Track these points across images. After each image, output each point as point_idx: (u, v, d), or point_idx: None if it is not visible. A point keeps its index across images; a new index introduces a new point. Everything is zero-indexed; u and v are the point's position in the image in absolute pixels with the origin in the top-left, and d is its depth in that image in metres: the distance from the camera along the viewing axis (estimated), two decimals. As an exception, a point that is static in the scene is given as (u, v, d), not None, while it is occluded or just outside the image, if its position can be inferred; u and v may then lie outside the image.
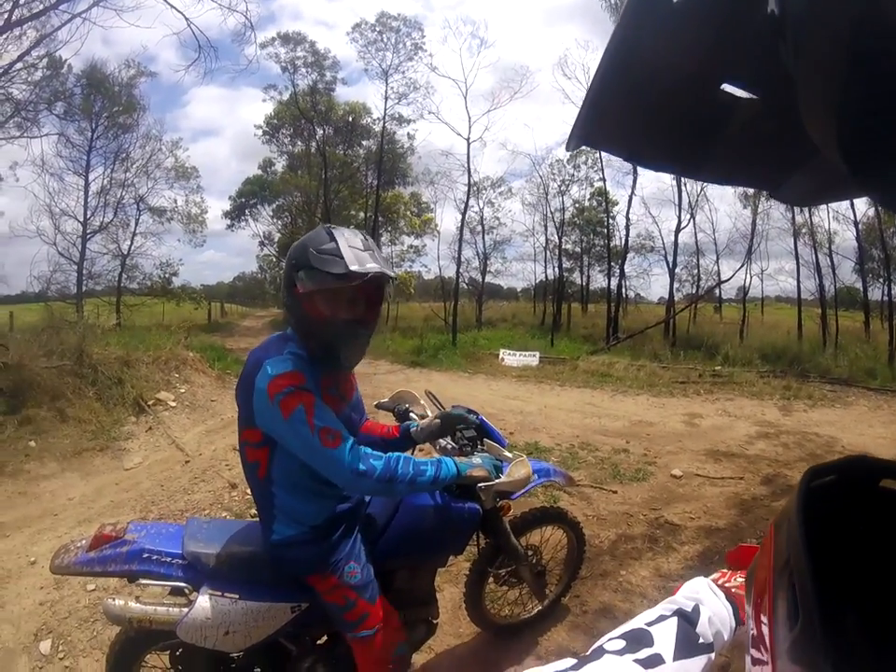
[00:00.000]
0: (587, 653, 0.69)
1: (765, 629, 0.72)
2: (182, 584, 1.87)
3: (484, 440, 2.27)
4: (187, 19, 11.69)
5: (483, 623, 2.83)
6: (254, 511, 4.32)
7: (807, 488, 0.77)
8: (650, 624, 0.76)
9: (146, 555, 1.85)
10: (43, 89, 16.41)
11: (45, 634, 2.95)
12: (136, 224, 21.03)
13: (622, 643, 0.70)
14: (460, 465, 1.85)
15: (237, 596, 1.82)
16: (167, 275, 21.81)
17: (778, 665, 0.64)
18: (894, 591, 0.76)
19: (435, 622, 2.35)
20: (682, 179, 19.78)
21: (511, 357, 14.45)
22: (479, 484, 1.90)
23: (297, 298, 1.69)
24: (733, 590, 0.94)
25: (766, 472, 5.82)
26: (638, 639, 0.71)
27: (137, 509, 4.56)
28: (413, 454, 2.30)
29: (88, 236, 18.96)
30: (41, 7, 11.14)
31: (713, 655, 0.77)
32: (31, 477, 5.20)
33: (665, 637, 0.73)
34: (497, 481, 1.92)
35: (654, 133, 0.93)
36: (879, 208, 16.71)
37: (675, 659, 0.70)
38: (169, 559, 1.86)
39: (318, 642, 2.13)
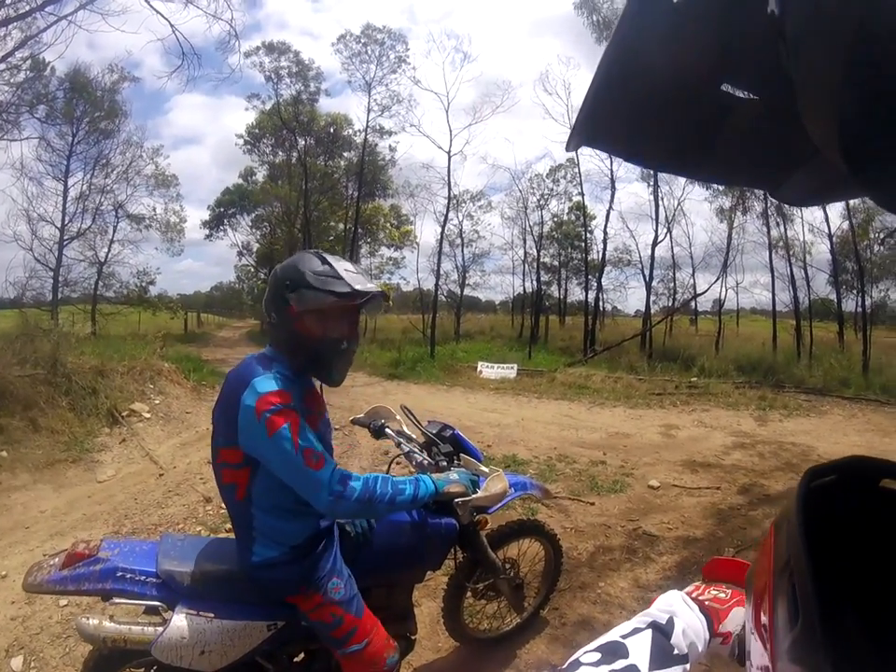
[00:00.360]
0: (563, 667, 0.69)
1: (765, 629, 0.72)
2: (157, 603, 1.84)
3: (461, 455, 2.29)
4: (172, 25, 11.66)
5: (461, 638, 2.82)
6: (229, 525, 4.28)
7: (807, 488, 0.77)
8: (624, 637, 0.76)
9: (119, 574, 1.81)
10: (25, 91, 16.26)
11: (16, 650, 2.88)
12: (114, 231, 20.86)
13: (597, 655, 0.70)
14: (437, 481, 1.86)
15: (212, 615, 1.80)
16: (144, 284, 21.65)
17: (778, 665, 0.65)
18: (894, 591, 0.77)
19: (413, 637, 2.34)
20: (660, 194, 20.14)
21: (488, 370, 14.49)
22: (456, 500, 1.90)
23: (289, 317, 1.73)
24: (706, 603, 0.95)
25: (743, 482, 5.90)
26: (614, 651, 0.71)
27: (110, 522, 4.47)
28: (389, 471, 2.30)
29: (65, 242, 18.67)
30: (27, 7, 11.04)
31: (688, 666, 0.77)
32: (2, 488, 5.07)
33: (639, 649, 0.73)
34: (473, 496, 1.92)
35: (654, 133, 0.93)
36: (853, 221, 17.08)
37: (650, 670, 0.70)
38: (143, 577, 1.83)
39: (295, 660, 2.11)
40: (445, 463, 2.17)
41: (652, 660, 0.72)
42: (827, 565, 0.69)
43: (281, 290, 1.72)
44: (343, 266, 1.75)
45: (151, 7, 11.30)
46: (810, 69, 0.60)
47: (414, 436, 2.47)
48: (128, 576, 1.82)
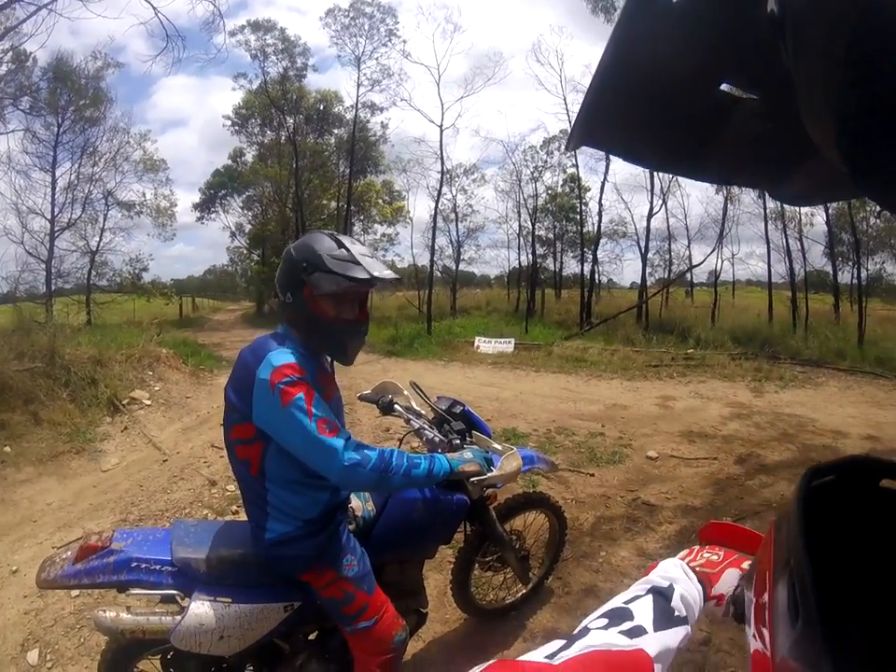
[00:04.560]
0: (574, 633, 0.71)
1: (765, 629, 0.72)
2: (173, 592, 1.86)
3: (473, 432, 2.31)
4: (154, 7, 11.37)
5: (469, 609, 2.88)
6: (235, 507, 4.35)
7: (807, 488, 0.78)
8: (627, 602, 0.79)
9: (134, 564, 1.82)
10: (8, 83, 15.92)
11: (32, 643, 2.91)
12: (105, 220, 20.48)
13: (604, 620, 0.73)
14: (452, 461, 1.87)
15: (230, 600, 1.82)
16: (137, 271, 21.24)
17: (778, 664, 0.65)
18: (894, 591, 0.77)
19: (425, 611, 2.38)
20: (654, 166, 19.92)
21: (486, 345, 14.46)
22: (472, 479, 1.93)
23: (304, 299, 1.77)
24: (697, 569, 0.97)
25: (740, 452, 5.97)
26: (620, 615, 0.75)
27: (117, 511, 4.51)
28: (399, 447, 2.34)
29: (56, 234, 18.35)
30: (5, -1, 10.80)
31: (689, 628, 0.80)
32: (7, 483, 5.09)
33: (643, 612, 0.76)
34: (489, 475, 1.95)
35: (654, 133, 0.93)
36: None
37: (656, 630, 0.73)
38: (158, 567, 1.84)
39: (310, 638, 2.14)
40: (458, 441, 2.17)
41: (656, 620, 0.75)
42: (827, 565, 0.70)
43: (298, 272, 1.75)
44: (358, 250, 1.78)
45: None
46: (810, 69, 0.60)
47: (424, 412, 2.47)
48: (143, 566, 1.82)
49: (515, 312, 23.25)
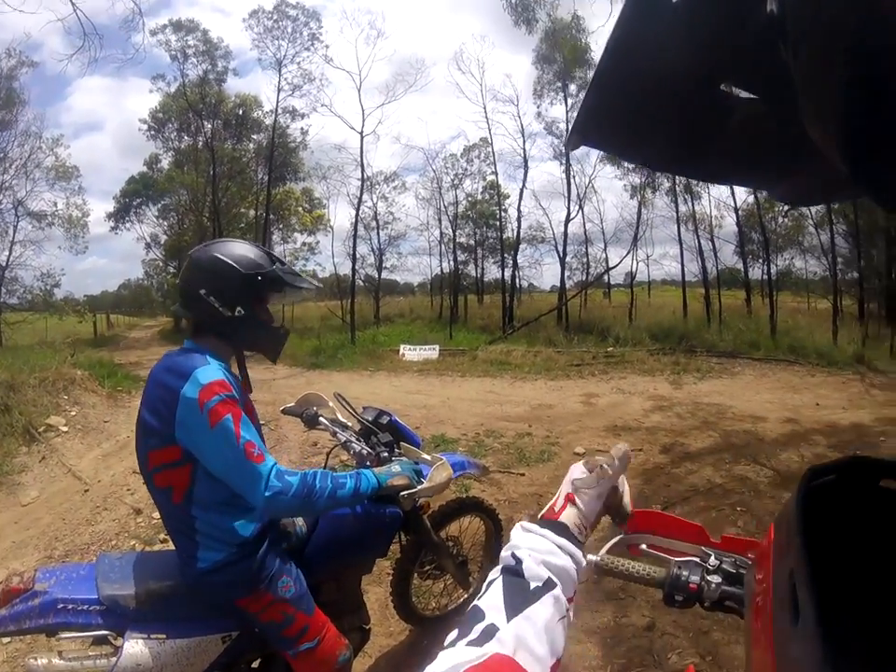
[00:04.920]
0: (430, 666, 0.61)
1: (765, 629, 0.72)
2: (105, 632, 1.77)
3: (401, 443, 2.30)
4: (73, 3, 10.77)
5: (412, 619, 2.88)
6: (162, 535, 4.20)
7: (807, 488, 0.79)
8: (479, 598, 0.69)
9: (61, 606, 1.72)
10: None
11: (-40, 697, 2.71)
12: (14, 231, 19.61)
13: (455, 633, 0.64)
14: (380, 475, 1.87)
15: (164, 636, 1.75)
16: (49, 287, 20.33)
17: (779, 664, 0.65)
18: (894, 590, 0.79)
19: (368, 627, 2.35)
20: (572, 172, 20.58)
21: (411, 352, 14.50)
22: (401, 493, 1.93)
23: (254, 310, 1.83)
24: (545, 515, 0.85)
25: (664, 442, 6.25)
26: (470, 620, 0.64)
27: (41, 547, 4.27)
28: (327, 463, 2.30)
29: (-39, 247, 17.16)
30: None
31: (558, 590, 0.69)
32: (-87, 524, 4.72)
33: (493, 604, 0.66)
34: (419, 487, 1.95)
35: (653, 133, 0.94)
36: (759, 195, 17.93)
37: (510, 619, 0.63)
38: (86, 606, 1.74)
39: (252, 666, 2.08)
40: (386, 453, 2.16)
41: (509, 607, 0.65)
42: (827, 564, 0.72)
43: (252, 285, 1.78)
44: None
45: None
46: (810, 69, 0.61)
47: (350, 424, 2.44)
48: (70, 607, 1.73)
49: (439, 318, 23.49)
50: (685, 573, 1.04)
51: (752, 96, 0.86)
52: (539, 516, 0.84)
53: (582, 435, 6.59)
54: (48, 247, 20.88)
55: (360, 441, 2.28)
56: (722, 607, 1.00)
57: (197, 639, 1.80)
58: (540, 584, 0.69)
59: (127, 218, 27.67)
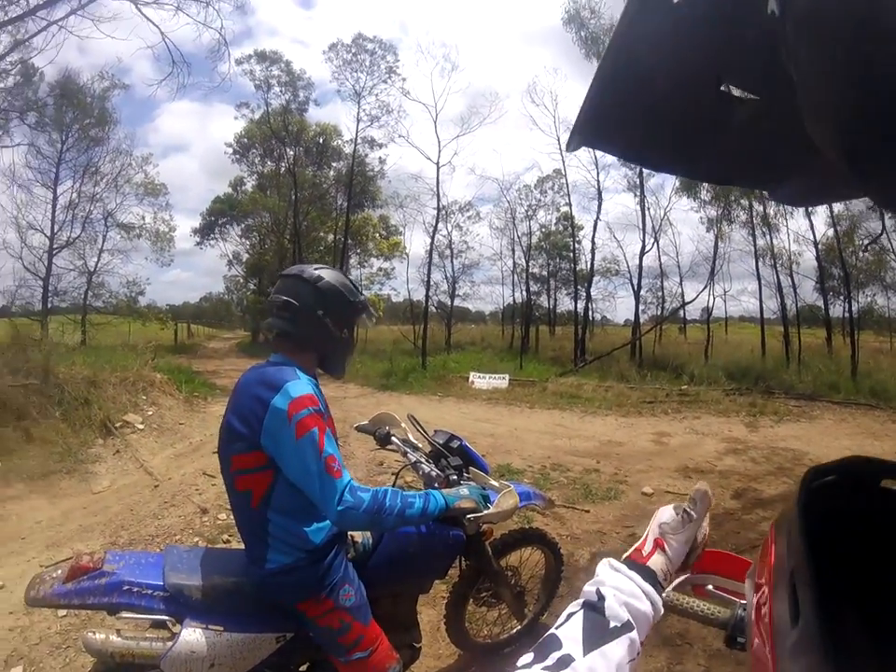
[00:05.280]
0: None
1: (766, 628, 0.71)
2: (164, 617, 1.82)
3: (470, 468, 2.30)
4: (162, 32, 11.58)
5: (463, 645, 2.83)
6: (226, 536, 4.29)
7: (808, 488, 0.78)
8: (558, 627, 0.71)
9: (126, 587, 1.78)
10: (15, 97, 16.07)
11: (16, 660, 2.86)
12: (104, 240, 20.63)
13: (530, 656, 0.66)
14: (448, 497, 1.87)
15: (221, 629, 1.79)
16: (133, 294, 21.39)
17: (779, 664, 0.64)
18: (894, 590, 0.77)
19: (419, 646, 2.34)
20: (646, 204, 20.28)
21: (480, 380, 14.41)
22: (468, 516, 1.92)
23: (351, 333, 2.06)
24: (632, 556, 0.87)
25: (736, 487, 5.95)
26: (546, 646, 0.67)
27: (107, 534, 4.46)
28: (396, 482, 2.34)
29: (54, 251, 18.45)
30: (18, 11, 10.90)
31: (634, 633, 0.71)
32: (-4, 498, 5.03)
33: (572, 635, 0.69)
34: (485, 512, 1.93)
35: (654, 133, 0.94)
36: (838, 228, 17.25)
37: (586, 653, 0.66)
38: (150, 591, 1.81)
39: (301, 670, 2.10)
40: (455, 476, 2.17)
41: (587, 641, 0.67)
42: (827, 565, 0.70)
43: (354, 309, 2.01)
44: None
45: (142, 13, 11.24)
46: (810, 69, 0.60)
47: (420, 445, 2.46)
48: (135, 589, 1.79)
49: (510, 348, 23.46)
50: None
51: (752, 96, 0.86)
52: (626, 556, 0.86)
53: (652, 475, 6.36)
54: (134, 257, 21.97)
55: (430, 463, 2.30)
56: None
57: (253, 636, 1.83)
58: (619, 625, 0.71)
59: (212, 235, 29.18)
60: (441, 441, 2.42)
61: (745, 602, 1.04)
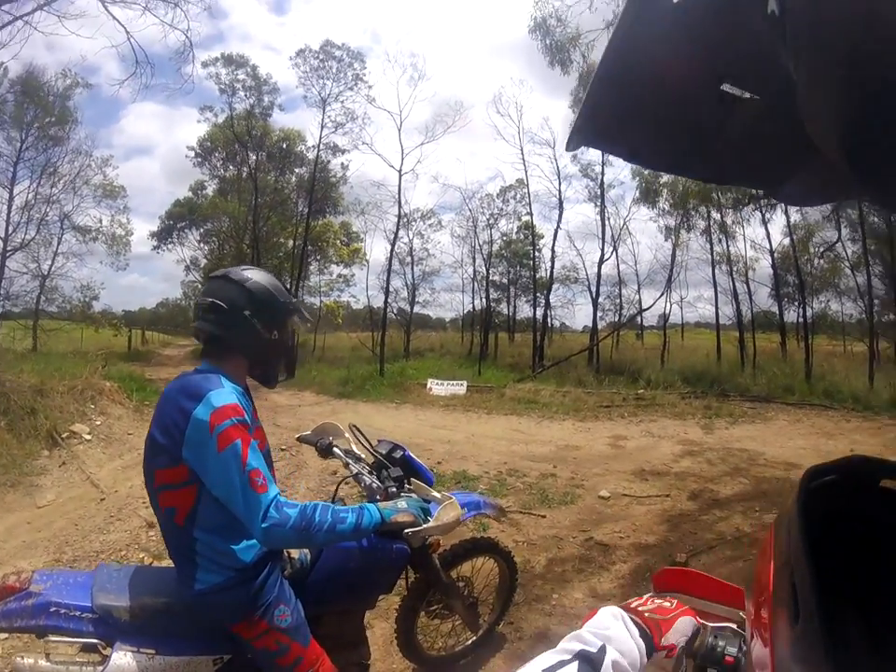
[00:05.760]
0: None
1: (765, 628, 0.70)
2: (94, 640, 1.74)
3: (412, 479, 2.25)
4: (127, 32, 11.34)
5: (416, 659, 2.77)
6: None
7: (807, 488, 0.77)
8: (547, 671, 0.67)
9: (53, 609, 1.70)
10: (-25, 93, 15.46)
11: (-47, 687, 2.70)
12: (59, 243, 20.14)
13: None
14: (384, 511, 1.81)
15: (153, 651, 1.71)
16: (87, 299, 20.83)
17: (779, 664, 0.64)
18: (894, 590, 0.77)
19: (367, 663, 2.27)
20: (606, 214, 20.67)
21: (438, 387, 14.45)
22: (406, 530, 1.85)
23: (282, 334, 1.95)
24: (647, 614, 0.86)
25: (692, 488, 6.05)
26: None
27: (51, 550, 4.29)
28: (336, 494, 2.30)
29: (7, 253, 17.84)
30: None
31: None
32: (-67, 513, 4.81)
33: None
34: (424, 526, 1.87)
35: (654, 133, 0.94)
36: (794, 237, 17.81)
37: None
38: (78, 613, 1.72)
39: None
40: (395, 489, 2.12)
41: None
42: (827, 565, 0.69)
43: (285, 311, 1.93)
44: None
45: (108, 12, 11.01)
46: (811, 69, 0.60)
47: (363, 456, 2.41)
48: (62, 611, 1.71)
49: (469, 354, 23.58)
50: (721, 643, 0.91)
51: (752, 96, 0.86)
52: (649, 610, 0.86)
53: (608, 478, 6.41)
54: (90, 261, 21.47)
55: (372, 475, 2.25)
56: None
57: (187, 658, 1.76)
58: None
59: (169, 240, 28.43)
60: (383, 452, 2.37)
61: (715, 625, 0.99)
